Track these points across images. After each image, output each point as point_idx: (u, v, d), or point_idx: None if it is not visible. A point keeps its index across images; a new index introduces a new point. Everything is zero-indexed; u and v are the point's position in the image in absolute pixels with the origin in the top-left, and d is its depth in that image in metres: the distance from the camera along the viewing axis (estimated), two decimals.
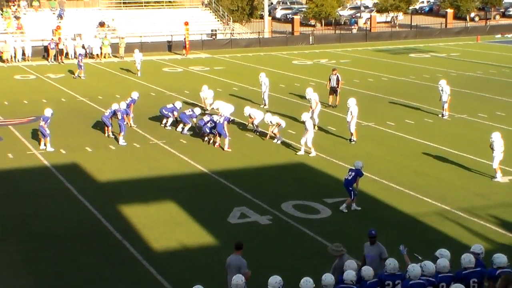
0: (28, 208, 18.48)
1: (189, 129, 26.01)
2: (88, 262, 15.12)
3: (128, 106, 26.87)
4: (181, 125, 26.34)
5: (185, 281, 14.00)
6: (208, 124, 24.38)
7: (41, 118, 24.22)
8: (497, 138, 20.23)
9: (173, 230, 16.85)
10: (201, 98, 29.72)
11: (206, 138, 24.74)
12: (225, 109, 25.50)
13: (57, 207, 18.59)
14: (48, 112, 24.45)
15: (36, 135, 25.64)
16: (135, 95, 27.88)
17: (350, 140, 24.80)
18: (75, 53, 47.78)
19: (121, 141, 24.57)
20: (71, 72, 41.33)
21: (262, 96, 30.92)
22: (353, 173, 17.72)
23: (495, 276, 11.05)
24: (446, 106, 28.32)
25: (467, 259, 11.31)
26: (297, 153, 23.26)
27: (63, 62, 46.09)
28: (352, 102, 24.88)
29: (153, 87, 36.44)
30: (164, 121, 27.00)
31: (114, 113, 25.16)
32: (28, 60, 46.47)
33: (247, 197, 19.05)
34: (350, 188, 17.78)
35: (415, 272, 10.96)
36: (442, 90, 28.23)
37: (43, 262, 15.16)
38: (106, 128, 25.81)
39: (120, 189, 20.04)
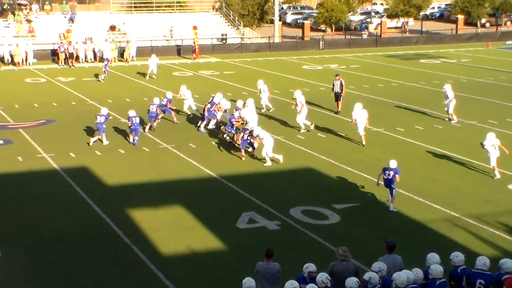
0: (37, 211, 18.55)
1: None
2: (96, 266, 15.16)
3: (165, 105, 27.88)
4: (203, 124, 26.87)
5: (193, 286, 14.02)
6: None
7: (100, 116, 25.22)
8: (490, 138, 21.05)
9: (181, 234, 16.86)
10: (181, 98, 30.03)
11: (227, 137, 25.21)
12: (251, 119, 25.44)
13: (66, 210, 18.65)
14: (104, 110, 25.74)
15: (45, 138, 25.80)
16: (169, 95, 28.57)
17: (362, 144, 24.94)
18: (85, 57, 48.08)
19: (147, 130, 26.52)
20: (95, 75, 41.45)
21: (262, 102, 30.81)
22: (392, 172, 18.31)
23: (500, 281, 11.04)
24: (451, 111, 28.39)
25: (482, 261, 11.41)
26: (264, 164, 22.66)
27: (74, 66, 46.28)
28: (359, 107, 25.11)
29: (163, 91, 36.46)
30: (199, 123, 27.38)
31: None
32: (29, 64, 46.70)
33: (255, 202, 19.05)
34: (392, 186, 18.25)
35: (401, 279, 10.92)
36: (445, 95, 28.46)
37: (51, 265, 15.20)
38: (146, 124, 26.97)
39: (128, 193, 20.08)
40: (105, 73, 40.57)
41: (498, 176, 20.95)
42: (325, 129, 27.41)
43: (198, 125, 27.35)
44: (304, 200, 19.25)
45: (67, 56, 46.83)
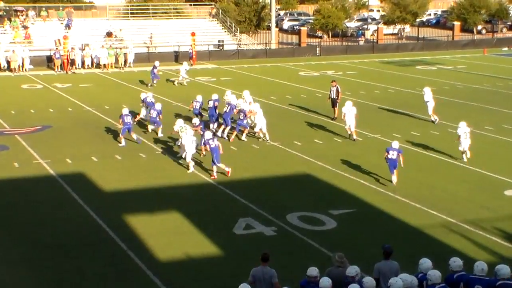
0: (34, 218, 18.50)
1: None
2: (93, 272, 15.12)
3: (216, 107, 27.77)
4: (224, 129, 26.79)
5: None
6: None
7: (153, 110, 27.00)
8: (462, 126, 23.32)
9: (178, 240, 16.84)
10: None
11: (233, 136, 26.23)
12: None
13: (62, 216, 18.61)
14: (159, 105, 27.42)
15: (42, 144, 25.79)
16: (215, 96, 28.21)
17: (350, 137, 26.56)
18: (83, 63, 48.03)
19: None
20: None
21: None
22: (396, 152, 20.58)
23: (494, 286, 11.06)
24: (430, 112, 29.65)
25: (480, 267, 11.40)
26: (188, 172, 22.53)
27: (74, 72, 46.24)
28: (349, 104, 26.66)
29: (160, 97, 36.48)
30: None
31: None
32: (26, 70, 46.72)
33: (252, 208, 19.03)
34: (396, 166, 20.60)
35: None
36: (427, 99, 29.82)
37: (48, 271, 15.16)
38: (211, 124, 27.43)
39: (125, 199, 20.06)
40: (152, 80, 40.07)
41: (465, 159, 23.34)
42: (322, 135, 27.42)
43: (215, 130, 26.87)
44: (300, 206, 19.24)
45: (68, 62, 46.81)
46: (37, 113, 32.41)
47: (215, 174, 21.80)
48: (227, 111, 26.71)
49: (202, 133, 22.91)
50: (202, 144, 22.31)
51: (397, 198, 19.80)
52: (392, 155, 20.59)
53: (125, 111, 25.74)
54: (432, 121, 29.61)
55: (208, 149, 21.92)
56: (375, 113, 31.91)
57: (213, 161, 21.69)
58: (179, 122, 23.89)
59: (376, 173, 22.08)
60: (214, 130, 26.54)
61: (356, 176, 21.94)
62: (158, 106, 27.65)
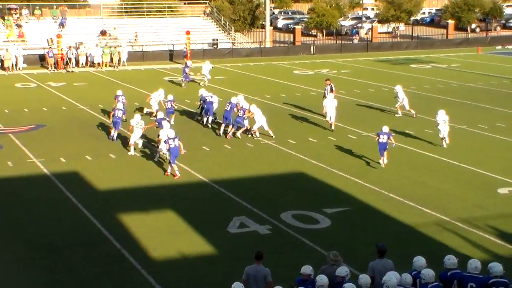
0: (27, 217, 18.47)
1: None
2: (87, 271, 15.09)
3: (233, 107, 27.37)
4: (233, 130, 26.73)
5: None
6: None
7: (168, 101, 28.67)
8: (441, 114, 24.83)
9: (172, 239, 16.83)
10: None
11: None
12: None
13: (56, 216, 18.58)
14: (170, 96, 29.07)
15: (35, 143, 25.74)
16: (234, 100, 27.82)
17: (330, 127, 27.91)
18: (77, 62, 47.88)
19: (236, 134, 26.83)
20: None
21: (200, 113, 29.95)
22: (386, 136, 22.32)
23: (487, 284, 11.10)
24: (407, 107, 30.66)
25: (474, 265, 11.43)
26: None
27: (71, 71, 46.15)
28: (331, 97, 28.26)
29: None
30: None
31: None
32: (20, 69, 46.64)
33: (246, 207, 19.04)
34: (386, 149, 22.36)
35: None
36: (397, 95, 30.88)
37: (41, 271, 15.12)
38: (220, 125, 27.45)
39: (119, 198, 20.03)
40: (184, 79, 39.70)
41: (444, 145, 24.89)
42: (316, 134, 27.44)
43: (222, 131, 27.09)
44: (295, 204, 19.26)
45: (63, 61, 46.70)
46: (31, 112, 32.33)
47: (177, 173, 21.71)
48: (228, 109, 26.94)
49: (161, 128, 23.39)
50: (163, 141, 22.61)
51: (391, 196, 19.83)
52: (383, 138, 22.35)
53: (137, 117, 25.06)
54: (412, 116, 30.16)
55: (167, 148, 21.88)
56: (369, 111, 31.94)
57: (169, 160, 21.81)
58: (137, 117, 24.75)
59: (370, 171, 22.12)
60: (223, 131, 26.97)
61: (350, 174, 21.96)
62: (170, 97, 29.33)
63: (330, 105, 27.91)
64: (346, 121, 29.43)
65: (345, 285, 10.94)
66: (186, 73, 39.97)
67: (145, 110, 30.91)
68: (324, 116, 28.56)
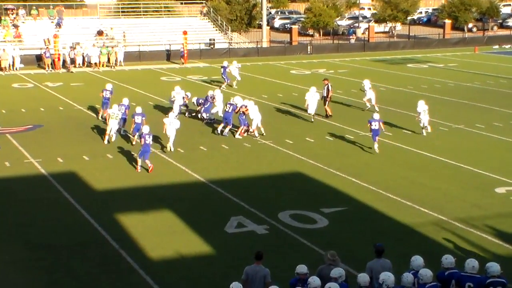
0: (25, 217, 18.44)
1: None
2: (84, 272, 15.07)
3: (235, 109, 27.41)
4: (221, 126, 27.15)
5: None
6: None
7: (183, 97, 30.01)
8: (421, 104, 26.41)
9: (170, 239, 16.82)
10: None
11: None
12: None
13: (53, 216, 18.56)
14: (188, 94, 30.56)
15: (33, 143, 25.71)
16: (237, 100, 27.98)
17: (326, 116, 29.70)
18: (74, 62, 47.80)
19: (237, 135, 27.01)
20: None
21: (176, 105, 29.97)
22: (377, 122, 23.76)
23: (484, 284, 11.11)
24: (374, 102, 31.45)
25: (471, 264, 11.45)
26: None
27: (72, 71, 46.08)
28: (313, 90, 29.64)
29: (151, 96, 36.49)
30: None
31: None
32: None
33: (244, 207, 19.04)
34: (379, 133, 23.93)
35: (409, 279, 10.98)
36: (364, 89, 31.83)
37: (39, 272, 15.10)
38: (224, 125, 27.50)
39: (117, 198, 20.02)
40: (225, 80, 39.29)
41: (424, 134, 26.58)
42: (314, 134, 27.45)
43: (220, 129, 27.21)
44: (292, 204, 19.26)
45: (60, 61, 46.64)
46: (28, 112, 32.29)
47: (139, 167, 22.35)
48: (229, 110, 26.95)
49: (137, 122, 25.36)
50: (137, 135, 24.55)
51: (389, 196, 19.85)
52: (375, 125, 23.81)
53: (115, 108, 26.34)
54: (377, 111, 29.57)
55: (142, 143, 22.38)
56: (366, 111, 31.94)
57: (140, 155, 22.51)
58: (114, 108, 26.06)
59: (368, 171, 22.14)
60: (220, 130, 27.13)
61: (348, 174, 21.97)
62: (188, 94, 30.82)
63: (312, 98, 29.13)
64: (343, 121, 29.45)
65: (328, 284, 10.87)
66: (225, 74, 39.09)
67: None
68: (323, 115, 28.63)
